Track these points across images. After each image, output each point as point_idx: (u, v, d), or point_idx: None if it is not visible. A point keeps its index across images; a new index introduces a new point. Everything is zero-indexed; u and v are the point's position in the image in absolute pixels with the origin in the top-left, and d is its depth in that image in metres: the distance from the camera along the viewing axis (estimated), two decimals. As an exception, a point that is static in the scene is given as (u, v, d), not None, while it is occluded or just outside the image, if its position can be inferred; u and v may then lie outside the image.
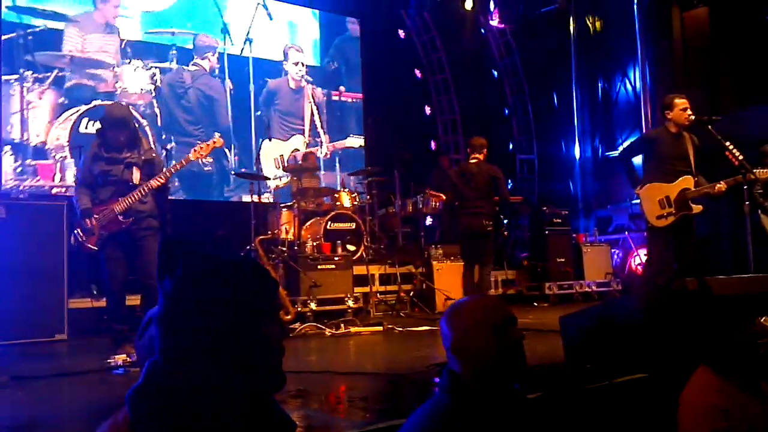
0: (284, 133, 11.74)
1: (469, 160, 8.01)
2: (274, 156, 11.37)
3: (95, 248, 5.49)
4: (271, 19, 11.94)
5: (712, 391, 2.65)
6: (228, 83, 11.25)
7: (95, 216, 5.47)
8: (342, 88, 12.74)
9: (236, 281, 1.42)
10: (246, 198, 9.27)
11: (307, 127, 12.12)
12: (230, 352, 1.38)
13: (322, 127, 11.75)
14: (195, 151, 5.75)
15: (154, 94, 10.40)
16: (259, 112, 11.36)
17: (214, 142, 5.86)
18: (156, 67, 10.49)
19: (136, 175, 5.55)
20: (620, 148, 6.80)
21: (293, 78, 12.06)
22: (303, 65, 12.07)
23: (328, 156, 11.22)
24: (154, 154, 5.75)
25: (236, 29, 11.56)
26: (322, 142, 11.44)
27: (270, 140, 11.16)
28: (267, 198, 10.23)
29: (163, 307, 1.42)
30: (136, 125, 6.02)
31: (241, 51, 11.58)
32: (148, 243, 5.57)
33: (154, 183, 5.51)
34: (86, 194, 5.52)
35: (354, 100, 12.99)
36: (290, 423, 1.59)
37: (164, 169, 5.67)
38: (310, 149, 11.53)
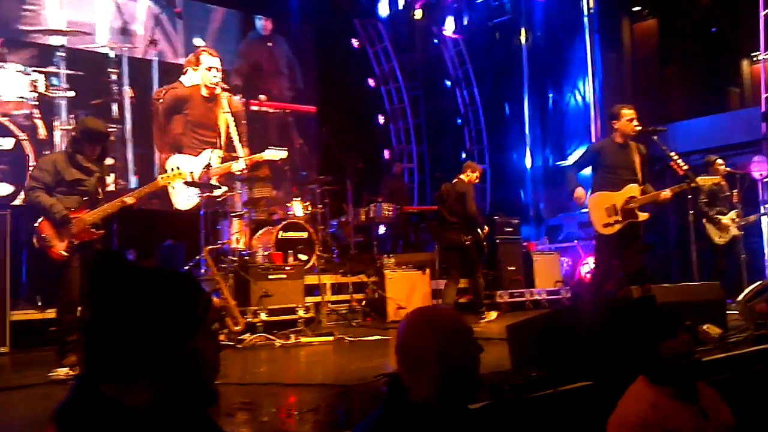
0: (194, 147, 10.81)
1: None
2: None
3: (65, 254, 5.39)
4: (180, 18, 11.27)
5: (644, 403, 2.69)
6: (127, 90, 10.33)
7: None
8: (262, 97, 12.09)
9: (164, 294, 1.39)
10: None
11: (221, 140, 11.00)
12: (158, 367, 1.36)
13: (240, 141, 10.63)
14: (162, 178, 5.91)
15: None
16: (165, 123, 10.61)
17: (180, 173, 6.01)
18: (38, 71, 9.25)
19: (101, 191, 5.62)
20: (570, 161, 6.90)
21: (206, 85, 10.94)
22: (218, 70, 10.95)
23: (245, 172, 9.81)
24: (107, 173, 5.86)
25: (137, 30, 10.66)
26: (239, 157, 10.17)
27: (177, 154, 10.54)
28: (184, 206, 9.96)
29: (89, 320, 1.39)
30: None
31: (144, 54, 10.76)
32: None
33: (128, 201, 5.57)
34: (58, 200, 5.45)
35: (276, 110, 12.37)
36: None
37: (136, 190, 5.81)
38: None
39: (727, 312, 5.62)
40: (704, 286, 5.56)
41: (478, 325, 7.61)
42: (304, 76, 12.91)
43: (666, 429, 2.61)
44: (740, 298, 6.15)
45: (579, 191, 6.46)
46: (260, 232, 8.74)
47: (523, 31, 14.67)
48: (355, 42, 14.06)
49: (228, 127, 10.71)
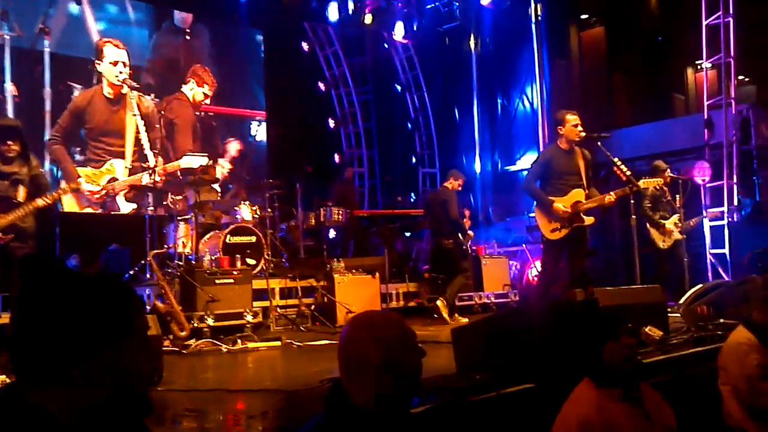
0: (96, 159, 9.52)
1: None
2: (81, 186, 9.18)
3: None
4: (79, 3, 10.06)
5: (588, 406, 2.72)
6: (10, 87, 9.17)
7: None
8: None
9: (88, 298, 1.36)
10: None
11: (129, 148, 9.71)
12: (87, 374, 1.32)
13: (152, 148, 9.34)
14: (77, 183, 5.77)
15: None
16: (59, 128, 9.44)
17: (78, 183, 5.90)
18: None
19: (21, 193, 5.39)
20: (519, 166, 6.98)
21: (110, 83, 9.70)
22: (125, 66, 9.76)
23: (160, 184, 8.61)
24: (40, 170, 5.63)
25: (23, 14, 9.27)
26: (152, 167, 8.49)
27: (75, 165, 9.57)
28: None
29: (13, 325, 1.34)
30: (22, 135, 5.79)
31: (32, 45, 9.36)
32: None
33: (40, 203, 5.36)
34: None
35: (204, 113, 11.36)
36: None
37: (53, 192, 5.56)
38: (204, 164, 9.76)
39: (669, 314, 5.74)
40: (646, 289, 5.66)
41: (426, 329, 7.63)
42: (247, 81, 12.24)
43: (610, 428, 2.64)
44: (682, 300, 6.30)
45: (558, 205, 6.46)
46: (207, 236, 8.63)
47: (472, 36, 14.79)
48: (305, 45, 14.01)
49: (137, 131, 9.49)
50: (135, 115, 9.32)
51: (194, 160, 9.11)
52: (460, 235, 8.98)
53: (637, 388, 2.84)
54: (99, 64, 9.77)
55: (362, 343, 1.99)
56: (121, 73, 9.58)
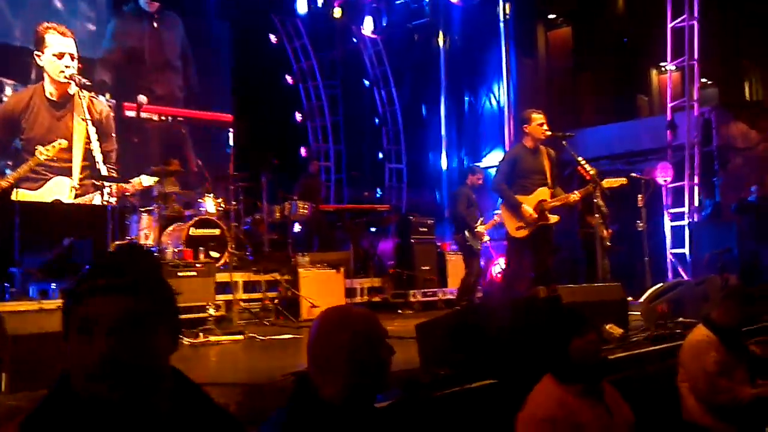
0: (35, 177, 7.77)
1: None
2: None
3: None
4: None
5: (551, 401, 2.74)
6: None
7: None
8: (142, 98, 8.81)
9: None
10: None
11: (77, 163, 8.04)
12: None
13: (106, 162, 7.48)
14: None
15: None
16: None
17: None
18: None
19: None
20: (493, 181, 6.97)
21: (54, 80, 8.06)
22: (72, 58, 8.02)
23: (115, 205, 7.34)
24: None
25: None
26: (103, 186, 7.15)
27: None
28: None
29: None
30: None
31: None
32: None
33: (4, 183, 5.25)
34: None
35: (165, 117, 9.90)
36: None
37: (9, 174, 5.43)
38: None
39: (629, 312, 5.81)
40: (607, 287, 5.73)
41: (391, 324, 7.63)
42: (207, 71, 11.23)
43: (573, 423, 2.67)
44: (642, 299, 6.38)
45: (526, 208, 6.48)
46: (170, 228, 8.52)
47: (441, 34, 14.83)
48: (273, 38, 13.91)
49: (88, 141, 7.62)
50: (85, 120, 7.37)
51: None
52: (466, 232, 8.97)
53: (599, 385, 2.87)
54: (39, 56, 8.04)
55: (333, 338, 2.00)
56: (67, 67, 7.91)
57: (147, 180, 7.91)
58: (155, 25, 10.15)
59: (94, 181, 7.59)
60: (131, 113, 9.40)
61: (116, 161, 8.69)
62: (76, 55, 8.10)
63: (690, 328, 4.95)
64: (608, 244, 8.52)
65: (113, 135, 8.78)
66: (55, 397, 1.34)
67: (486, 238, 9.18)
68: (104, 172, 7.44)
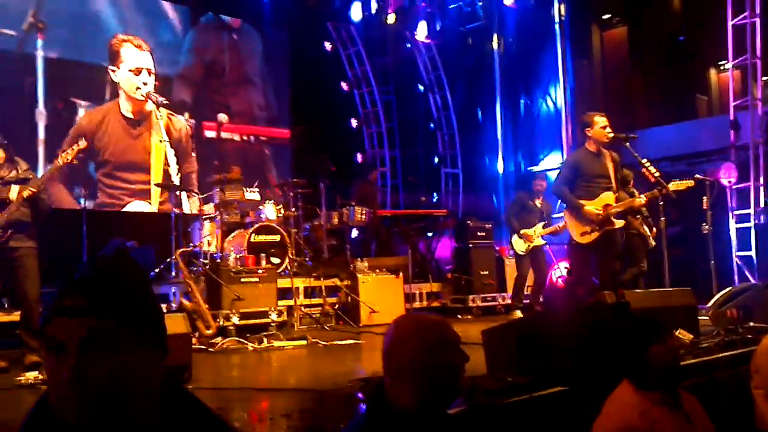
0: (111, 202, 7.63)
1: None
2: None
3: None
4: None
5: (631, 409, 2.70)
6: None
7: None
8: (223, 117, 8.74)
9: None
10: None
11: (156, 186, 7.63)
12: None
13: (184, 183, 7.11)
14: (61, 156, 5.67)
15: None
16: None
17: (78, 146, 5.74)
18: None
19: (12, 193, 5.49)
20: (554, 185, 6.90)
21: (130, 97, 7.78)
22: (150, 74, 7.79)
23: (179, 213, 6.76)
24: (31, 175, 5.71)
25: (5, 4, 7.20)
26: (182, 203, 6.64)
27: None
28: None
29: None
30: (6, 143, 5.80)
31: (20, 46, 7.26)
32: (26, 262, 5.52)
33: (25, 193, 5.45)
34: None
35: (246, 137, 9.30)
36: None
37: (35, 179, 5.62)
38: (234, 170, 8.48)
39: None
40: (677, 292, 5.62)
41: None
42: (275, 86, 10.89)
43: None
44: (711, 304, 6.24)
45: (590, 208, 6.43)
46: (232, 234, 8.67)
47: (495, 36, 14.75)
48: (327, 45, 14.03)
49: (167, 163, 7.40)
50: (163, 141, 7.17)
51: (268, 211, 7.66)
52: (513, 236, 9.24)
53: (677, 392, 2.82)
54: (114, 71, 7.75)
55: (407, 345, 2.01)
56: (144, 84, 7.69)
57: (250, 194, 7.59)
58: (234, 36, 9.49)
59: (172, 205, 7.06)
60: (211, 133, 8.89)
61: (197, 182, 8.23)
62: (153, 69, 7.79)
63: (761, 333, 4.82)
64: (653, 243, 8.35)
65: (193, 155, 8.44)
66: (36, 418, 1.33)
67: (536, 242, 9.06)
68: (183, 196, 7.08)
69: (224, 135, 9.04)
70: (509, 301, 9.81)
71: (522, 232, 9.05)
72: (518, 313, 8.90)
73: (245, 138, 9.48)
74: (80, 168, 7.66)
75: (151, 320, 1.38)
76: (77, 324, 1.27)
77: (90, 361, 1.27)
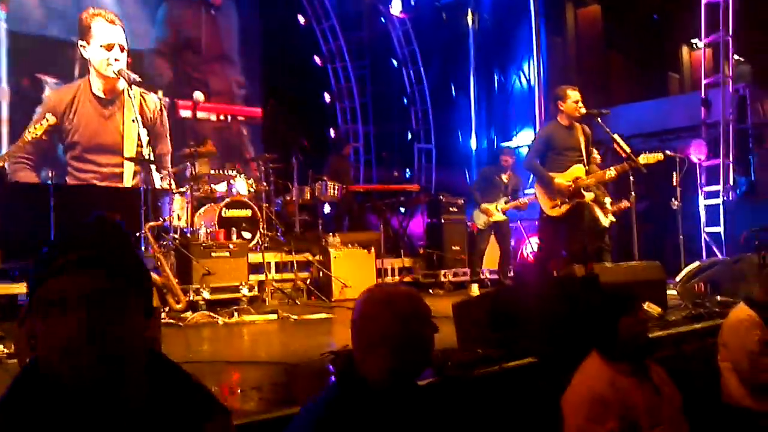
0: (81, 184, 7.06)
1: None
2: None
3: None
4: None
5: (600, 380, 2.73)
6: None
7: None
8: (199, 96, 7.69)
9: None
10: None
11: (129, 168, 7.24)
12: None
13: (160, 168, 6.63)
14: (28, 131, 5.48)
15: None
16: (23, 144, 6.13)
17: (48, 121, 5.52)
18: None
19: None
20: (525, 159, 6.89)
21: (101, 74, 7.33)
22: (122, 50, 7.26)
23: (148, 187, 6.52)
24: None
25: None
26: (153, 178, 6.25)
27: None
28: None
29: None
30: None
31: None
32: None
33: None
34: None
35: (223, 117, 8.73)
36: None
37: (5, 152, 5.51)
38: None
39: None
40: (645, 266, 5.67)
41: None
42: (251, 61, 10.54)
43: (625, 405, 2.65)
44: (678, 278, 6.31)
45: (560, 181, 6.42)
46: (203, 209, 8.59)
47: (470, 12, 14.69)
48: (301, 19, 13.87)
49: (139, 144, 6.79)
50: (136, 121, 6.49)
51: (240, 185, 7.20)
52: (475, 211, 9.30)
53: (645, 364, 2.86)
54: (84, 47, 7.28)
55: (378, 317, 2.00)
56: (116, 60, 7.22)
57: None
58: (212, 12, 9.04)
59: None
60: (186, 113, 8.41)
61: (172, 162, 7.78)
62: (125, 46, 7.38)
63: (728, 307, 4.90)
64: (604, 224, 8.37)
65: (167, 137, 8.09)
66: (24, 384, 1.33)
67: (496, 217, 9.07)
68: (157, 178, 6.71)
69: (200, 115, 8.63)
70: (482, 276, 9.86)
71: (482, 206, 9.09)
72: (475, 288, 8.91)
73: (222, 118, 9.17)
74: (48, 150, 7.29)
75: (145, 280, 1.41)
76: (84, 277, 1.28)
77: (97, 313, 1.28)
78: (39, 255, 1.34)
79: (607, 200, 8.74)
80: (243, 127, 9.56)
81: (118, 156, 7.51)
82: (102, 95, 7.47)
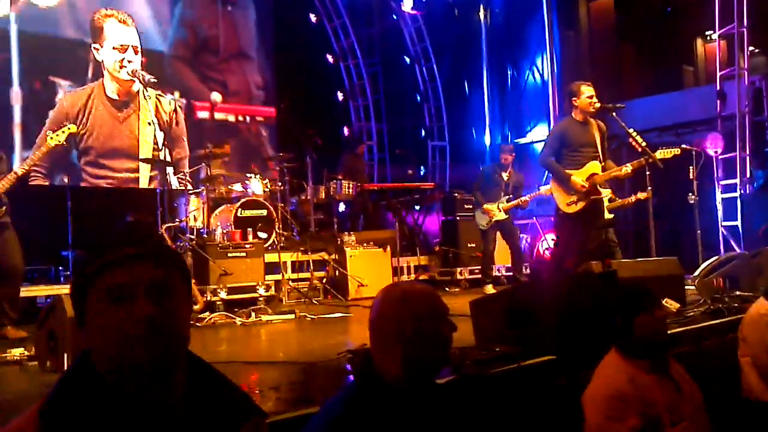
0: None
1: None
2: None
3: None
4: None
5: (620, 377, 2.71)
6: None
7: None
8: (216, 96, 8.06)
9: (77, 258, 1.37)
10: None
11: (144, 173, 7.22)
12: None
13: (178, 171, 6.59)
14: (51, 138, 5.56)
15: None
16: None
17: (69, 128, 5.63)
18: None
19: None
20: (540, 156, 6.84)
21: (114, 77, 7.21)
22: (137, 51, 7.16)
23: (164, 188, 6.42)
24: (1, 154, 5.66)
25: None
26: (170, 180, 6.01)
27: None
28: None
29: None
30: None
31: None
32: (6, 234, 5.58)
33: (20, 171, 5.45)
34: None
35: (242, 118, 8.65)
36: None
37: (28, 158, 5.58)
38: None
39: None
40: (663, 262, 5.63)
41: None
42: (267, 60, 10.43)
43: (645, 403, 2.64)
44: (696, 273, 6.27)
45: (576, 179, 6.38)
46: (218, 209, 8.63)
47: (481, 7, 14.66)
48: (312, 17, 13.88)
49: (156, 147, 6.67)
50: (152, 124, 6.44)
51: (255, 185, 7.12)
52: (477, 211, 9.16)
53: (666, 360, 2.84)
54: (98, 49, 7.16)
55: (395, 316, 2.00)
56: (130, 62, 7.13)
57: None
58: (229, 8, 8.76)
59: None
60: (204, 114, 8.31)
61: (189, 164, 7.62)
62: (139, 48, 7.24)
63: (747, 302, 4.86)
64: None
65: (185, 139, 7.94)
66: (75, 380, 1.35)
67: (498, 216, 8.92)
68: (174, 181, 6.62)
69: (218, 116, 8.55)
70: (497, 273, 9.83)
71: (484, 207, 8.93)
72: (489, 288, 8.70)
73: (240, 119, 8.99)
74: (61, 156, 7.13)
75: (188, 274, 1.47)
76: (145, 269, 1.34)
77: (160, 304, 1.33)
78: (96, 248, 1.37)
79: (504, 199, 8.76)
80: (261, 127, 9.44)
81: (134, 160, 7.44)
82: (116, 98, 7.37)
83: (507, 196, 8.88)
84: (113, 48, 7.21)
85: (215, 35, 8.87)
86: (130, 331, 1.29)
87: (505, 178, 9.00)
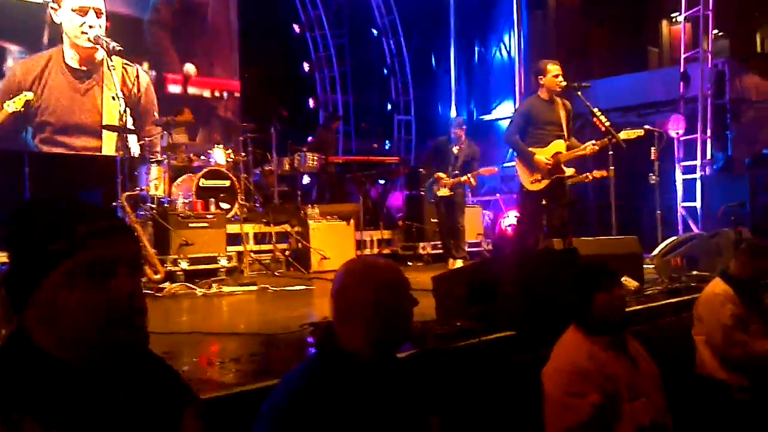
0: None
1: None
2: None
3: None
4: None
5: (579, 352, 2.75)
6: None
7: None
8: (190, 68, 7.35)
9: (24, 226, 1.30)
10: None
11: (108, 151, 6.57)
12: (24, 304, 1.27)
13: (145, 150, 6.06)
14: (6, 105, 5.32)
15: None
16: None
17: (26, 95, 5.32)
18: None
19: None
20: (505, 133, 6.84)
21: (75, 45, 6.55)
22: (99, 15, 6.50)
23: (124, 156, 5.93)
24: None
25: None
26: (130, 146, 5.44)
27: None
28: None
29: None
30: None
31: None
32: None
33: None
34: None
35: (219, 93, 8.07)
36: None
37: None
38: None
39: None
40: (623, 240, 5.71)
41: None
42: (230, 27, 10.18)
43: (605, 376, 2.69)
44: (655, 252, 6.36)
45: (539, 157, 6.38)
46: (180, 179, 8.50)
47: (452, -18, 14.60)
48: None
49: (122, 119, 5.80)
50: (117, 98, 5.62)
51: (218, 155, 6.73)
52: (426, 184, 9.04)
53: (623, 337, 2.89)
54: (55, 10, 6.47)
55: (357, 289, 2.00)
56: (91, 27, 6.40)
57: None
58: None
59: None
60: (176, 88, 7.67)
61: (160, 150, 7.00)
62: (103, 10, 6.59)
63: (704, 281, 4.96)
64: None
65: (156, 115, 7.33)
66: (11, 353, 1.24)
67: (441, 191, 8.69)
68: (137, 153, 5.86)
69: (192, 90, 7.92)
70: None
71: (436, 174, 8.75)
72: (453, 263, 8.52)
73: (217, 94, 8.43)
74: (11, 133, 6.48)
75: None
76: (123, 242, 1.28)
77: (136, 281, 1.29)
78: (66, 222, 1.26)
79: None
80: (231, 99, 9.05)
81: (97, 138, 6.82)
82: (77, 66, 6.72)
83: (455, 171, 8.71)
84: (72, 10, 6.52)
85: (204, 3, 8.26)
86: (113, 311, 1.23)
87: (455, 152, 8.79)
